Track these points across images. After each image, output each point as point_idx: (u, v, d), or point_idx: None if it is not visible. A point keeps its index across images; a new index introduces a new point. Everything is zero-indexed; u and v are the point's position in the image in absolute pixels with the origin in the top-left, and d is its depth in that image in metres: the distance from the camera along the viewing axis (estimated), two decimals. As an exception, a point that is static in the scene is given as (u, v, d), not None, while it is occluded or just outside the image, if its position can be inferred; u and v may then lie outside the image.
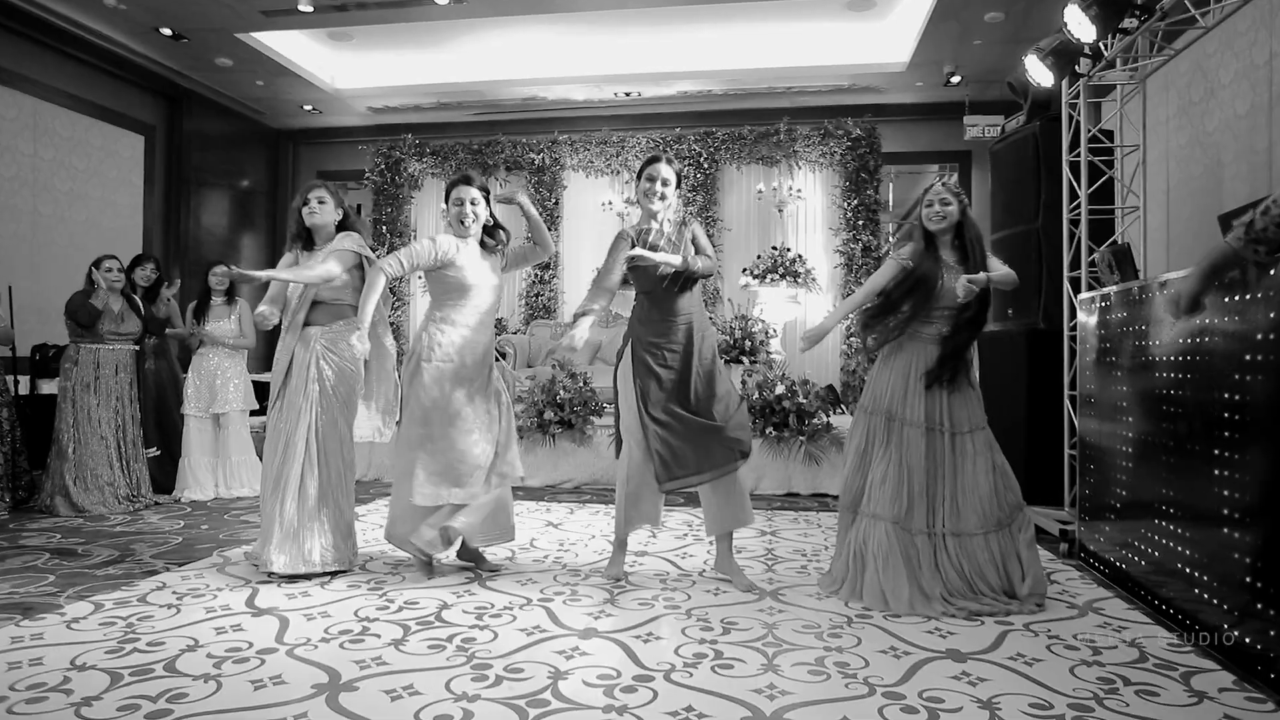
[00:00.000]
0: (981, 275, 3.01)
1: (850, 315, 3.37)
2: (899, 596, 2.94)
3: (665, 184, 3.27)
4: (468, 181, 3.42)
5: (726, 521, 3.35)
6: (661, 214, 3.29)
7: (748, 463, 3.36)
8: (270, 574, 3.31)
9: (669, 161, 3.30)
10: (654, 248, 3.23)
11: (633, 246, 3.22)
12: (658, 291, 3.25)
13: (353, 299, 3.53)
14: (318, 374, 3.44)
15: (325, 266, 3.42)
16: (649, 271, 3.23)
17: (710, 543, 3.91)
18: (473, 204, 3.38)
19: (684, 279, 3.25)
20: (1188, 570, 2.76)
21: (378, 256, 3.45)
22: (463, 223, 3.38)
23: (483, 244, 3.47)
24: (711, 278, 3.34)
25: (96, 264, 5.00)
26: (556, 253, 8.88)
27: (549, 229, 8.72)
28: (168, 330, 5.52)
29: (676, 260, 3.19)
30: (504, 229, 3.54)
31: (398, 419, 3.52)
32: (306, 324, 3.49)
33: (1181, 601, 2.80)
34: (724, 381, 3.34)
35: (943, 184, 3.21)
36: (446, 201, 3.45)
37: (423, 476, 3.26)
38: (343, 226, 3.61)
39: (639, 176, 3.33)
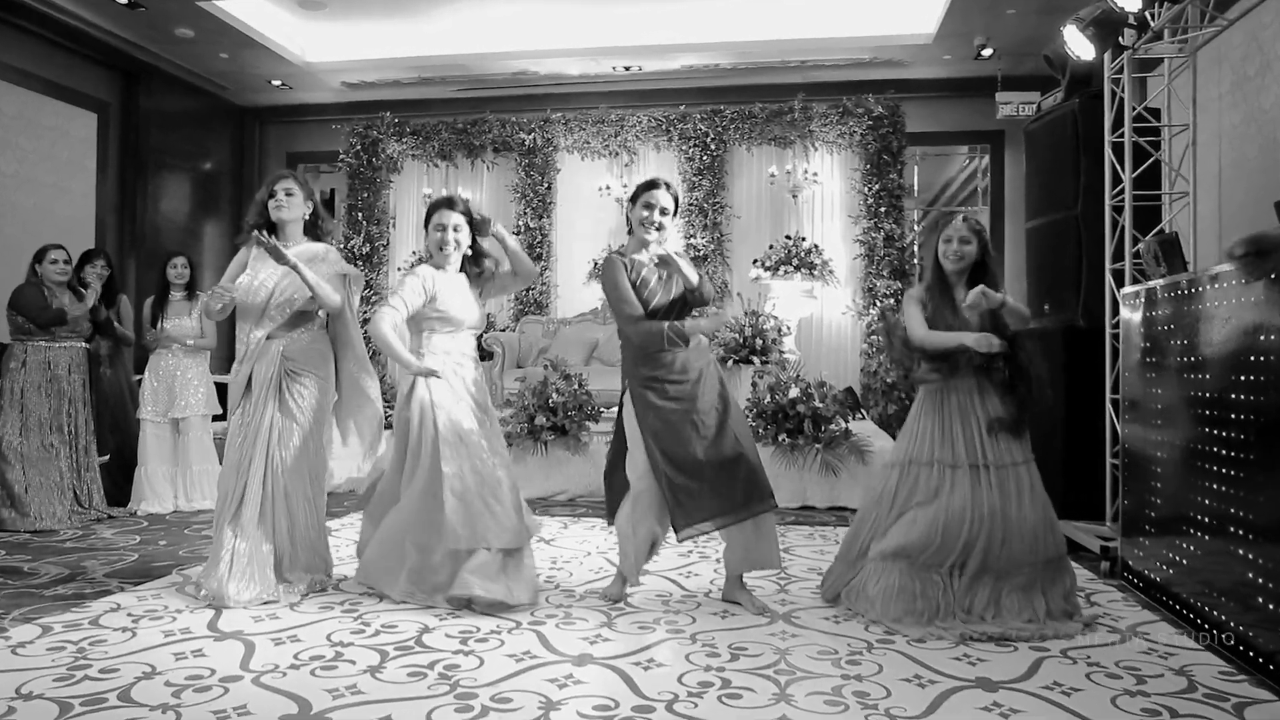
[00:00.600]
0: (997, 296, 3.05)
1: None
2: (909, 635, 2.95)
3: (664, 213, 3.30)
4: (450, 205, 3.44)
5: (752, 561, 3.34)
6: (654, 245, 3.32)
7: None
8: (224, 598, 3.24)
9: (668, 187, 3.34)
10: (645, 281, 3.27)
11: (628, 271, 3.26)
12: (661, 318, 3.26)
13: (312, 306, 3.53)
14: (279, 387, 3.43)
15: (333, 294, 3.47)
16: (651, 298, 3.27)
17: (717, 561, 3.91)
18: (455, 230, 3.41)
19: (682, 305, 3.30)
20: (1244, 591, 2.76)
21: (351, 248, 3.46)
22: (443, 249, 3.40)
23: (465, 271, 3.50)
24: (710, 303, 3.38)
25: (39, 256, 4.99)
26: (550, 243, 8.89)
27: (541, 216, 8.83)
28: (116, 328, 5.48)
29: (694, 276, 3.24)
30: (490, 256, 3.56)
31: (379, 452, 3.53)
32: (269, 334, 3.49)
33: (1236, 626, 2.79)
34: (737, 409, 3.35)
35: (964, 219, 3.28)
36: (426, 225, 3.47)
37: (456, 520, 3.20)
38: (312, 225, 3.61)
39: (634, 201, 3.36)
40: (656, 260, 3.27)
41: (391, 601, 3.31)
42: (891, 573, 3.07)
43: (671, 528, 3.23)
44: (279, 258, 3.31)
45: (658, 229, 3.30)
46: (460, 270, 3.49)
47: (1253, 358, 2.73)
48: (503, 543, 3.26)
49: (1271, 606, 2.59)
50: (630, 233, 3.41)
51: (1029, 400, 3.16)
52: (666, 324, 3.19)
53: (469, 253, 3.48)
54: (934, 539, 3.04)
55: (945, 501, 3.08)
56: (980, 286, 3.04)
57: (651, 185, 3.33)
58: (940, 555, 3.03)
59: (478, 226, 3.47)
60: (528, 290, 8.87)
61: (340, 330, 3.62)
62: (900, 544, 3.08)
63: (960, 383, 3.18)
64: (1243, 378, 2.79)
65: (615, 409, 3.47)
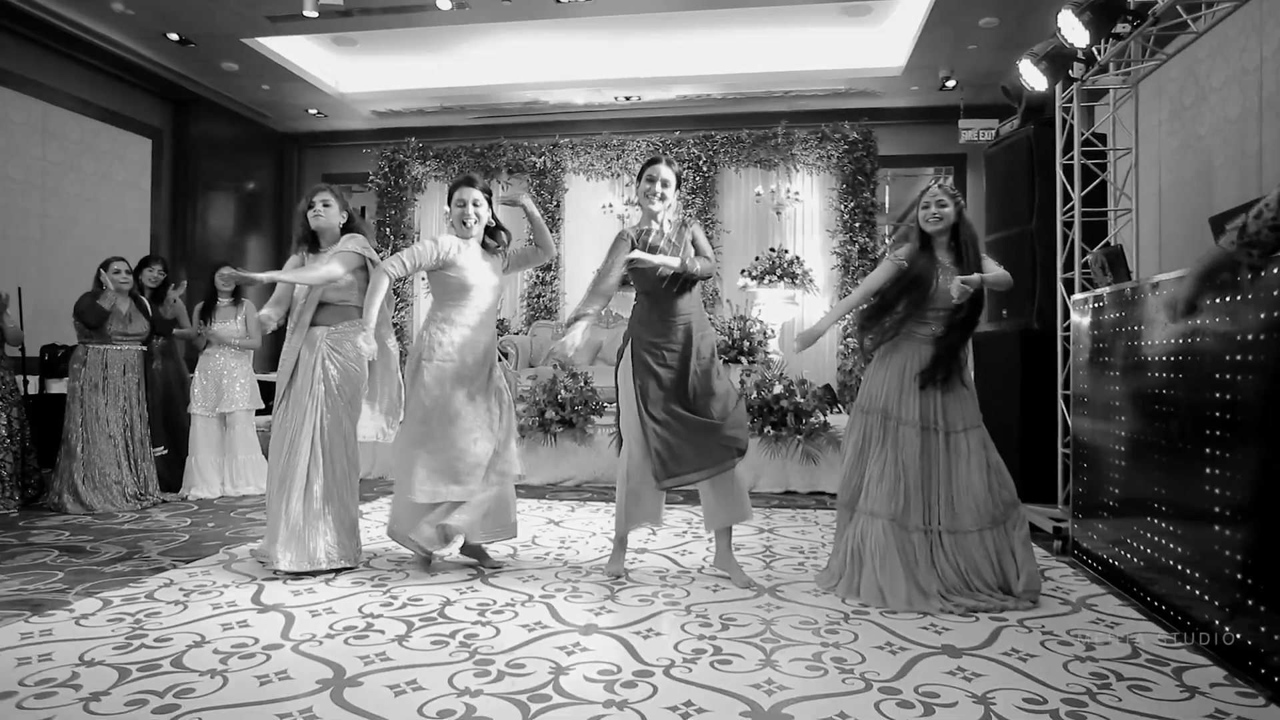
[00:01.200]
0: (975, 276, 3.00)
1: (846, 316, 3.36)
2: (896, 594, 2.94)
3: (665, 185, 3.27)
4: (470, 183, 3.43)
5: (724, 517, 3.34)
6: (661, 215, 3.29)
7: (746, 461, 3.36)
8: (276, 571, 3.31)
9: (669, 163, 3.31)
10: (654, 249, 3.24)
11: (633, 248, 3.23)
12: (657, 292, 3.26)
13: (358, 300, 3.52)
14: (323, 374, 3.44)
15: (327, 268, 3.41)
16: (649, 272, 3.23)
17: (709, 540, 3.91)
18: (474, 205, 3.39)
19: (683, 280, 3.26)
20: (1179, 567, 2.76)
21: (381, 258, 3.45)
22: (464, 223, 3.39)
23: (484, 245, 3.48)
24: (711, 279, 3.35)
25: (105, 265, 5.01)
26: (558, 255, 8.88)
27: (550, 231, 8.81)
28: (175, 330, 5.52)
29: (675, 262, 3.19)
30: (505, 230, 3.55)
31: (401, 419, 3.52)
32: (313, 325, 3.49)
33: (1173, 598, 2.80)
34: (722, 381, 3.33)
35: (939, 186, 3.20)
36: (449, 203, 3.45)
37: (423, 474, 3.27)
38: (347, 229, 3.61)
39: (639, 178, 3.34)
40: (632, 263, 3.20)
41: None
42: (876, 526, 3.04)
43: (654, 477, 3.23)
44: (249, 282, 3.33)
45: (661, 199, 3.28)
46: (482, 245, 3.47)
47: (1188, 358, 2.73)
48: (456, 498, 3.31)
49: (1205, 581, 2.59)
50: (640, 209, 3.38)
51: (955, 349, 3.10)
52: (583, 306, 3.23)
53: (490, 224, 3.48)
54: (897, 488, 3.04)
55: (899, 454, 3.06)
56: (959, 277, 2.98)
57: (653, 161, 3.32)
58: (908, 513, 3.02)
59: (506, 200, 3.45)
60: (538, 297, 8.87)
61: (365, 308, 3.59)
62: (877, 499, 3.06)
63: (927, 349, 3.12)
64: (1179, 376, 2.79)
65: (617, 405, 3.46)
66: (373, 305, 3.21)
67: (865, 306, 3.24)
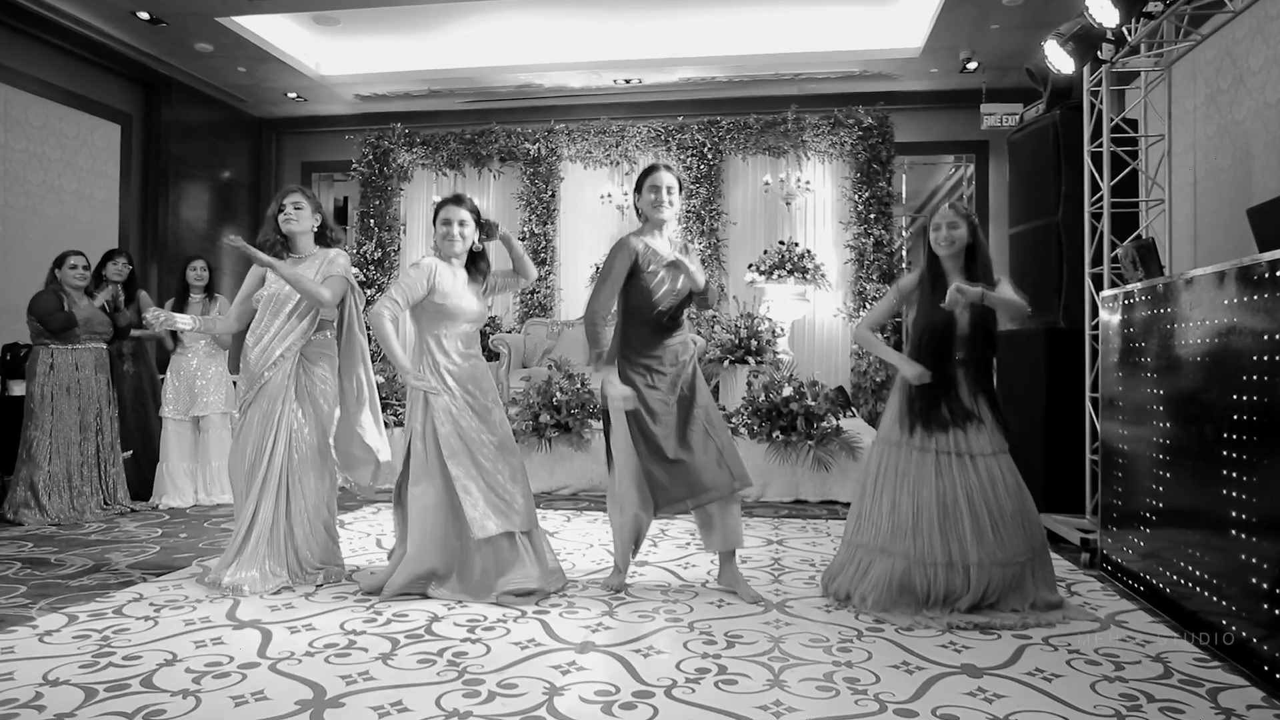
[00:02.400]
0: (974, 290, 2.95)
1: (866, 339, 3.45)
2: (898, 624, 2.95)
3: (670, 191, 3.32)
4: (458, 201, 3.46)
5: (727, 541, 3.34)
6: (669, 224, 3.34)
7: (753, 468, 3.39)
8: (218, 583, 3.30)
9: (669, 168, 3.35)
10: (655, 273, 3.28)
11: (637, 260, 3.26)
12: (657, 313, 3.29)
13: (326, 314, 3.54)
14: (295, 386, 3.46)
15: (322, 290, 3.41)
16: (657, 290, 3.27)
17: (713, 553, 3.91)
18: (460, 225, 3.41)
19: (687, 302, 3.33)
20: (1215, 581, 2.76)
21: (364, 253, 3.46)
22: (448, 242, 3.41)
23: (468, 269, 3.50)
24: (713, 306, 3.47)
25: (59, 262, 4.98)
26: (554, 248, 8.90)
27: (545, 222, 8.85)
28: (135, 332, 5.46)
29: (702, 280, 3.27)
30: (486, 260, 3.55)
31: (374, 481, 3.56)
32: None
33: (1208, 614, 2.80)
34: (709, 398, 3.38)
35: (950, 205, 3.21)
36: (435, 221, 3.48)
37: (477, 514, 3.22)
38: (321, 234, 3.63)
39: (639, 188, 3.36)
40: (669, 263, 3.27)
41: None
42: (885, 563, 3.06)
43: (654, 505, 3.25)
44: (255, 258, 3.34)
45: (670, 207, 3.31)
46: (465, 267, 3.49)
47: (1227, 358, 2.73)
48: (522, 525, 3.28)
49: (1245, 596, 2.59)
50: (644, 220, 3.39)
51: (950, 383, 3.13)
52: (603, 352, 3.30)
53: (475, 248, 3.49)
54: (908, 522, 3.04)
55: (926, 488, 3.06)
56: (955, 284, 2.96)
57: (653, 169, 3.34)
58: (929, 546, 3.01)
59: (486, 229, 3.49)
60: (532, 293, 8.88)
61: (346, 356, 3.57)
62: (889, 534, 3.07)
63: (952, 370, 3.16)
64: (1217, 377, 2.79)
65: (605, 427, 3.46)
66: (394, 352, 3.19)
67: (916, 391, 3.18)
